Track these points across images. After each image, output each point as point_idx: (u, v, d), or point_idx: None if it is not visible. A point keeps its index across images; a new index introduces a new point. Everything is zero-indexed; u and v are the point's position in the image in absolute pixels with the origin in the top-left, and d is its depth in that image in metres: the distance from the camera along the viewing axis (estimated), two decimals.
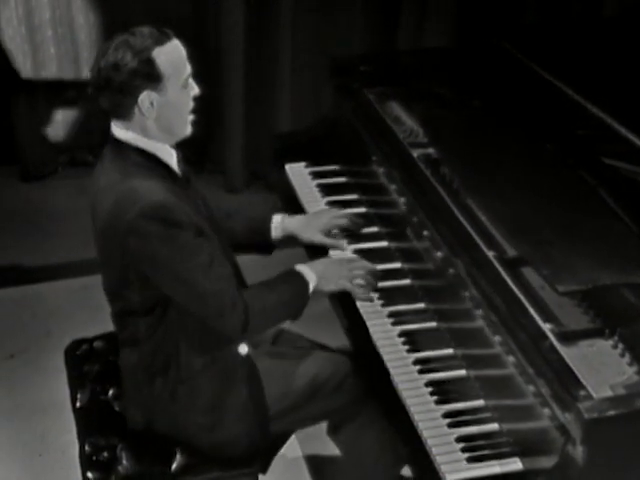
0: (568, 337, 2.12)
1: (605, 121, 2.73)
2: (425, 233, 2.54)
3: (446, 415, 2.25)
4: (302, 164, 3.18)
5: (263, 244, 2.81)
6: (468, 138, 2.84)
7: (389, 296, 2.61)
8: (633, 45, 3.08)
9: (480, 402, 2.28)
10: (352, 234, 2.82)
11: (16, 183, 4.82)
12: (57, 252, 4.25)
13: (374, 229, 2.88)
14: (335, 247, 2.77)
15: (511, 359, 2.14)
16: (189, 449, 2.47)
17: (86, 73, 4.70)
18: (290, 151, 3.19)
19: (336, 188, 3.07)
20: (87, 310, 3.66)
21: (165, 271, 2.30)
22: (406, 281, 2.68)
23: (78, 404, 2.63)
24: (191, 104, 2.39)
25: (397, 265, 2.74)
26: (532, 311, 2.16)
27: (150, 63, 2.26)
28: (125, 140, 2.35)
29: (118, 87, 2.27)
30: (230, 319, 2.35)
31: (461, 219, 2.45)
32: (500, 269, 2.27)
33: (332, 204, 2.98)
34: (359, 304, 2.58)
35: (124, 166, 2.33)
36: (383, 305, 2.58)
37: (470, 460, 2.13)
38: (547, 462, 2.01)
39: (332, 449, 2.84)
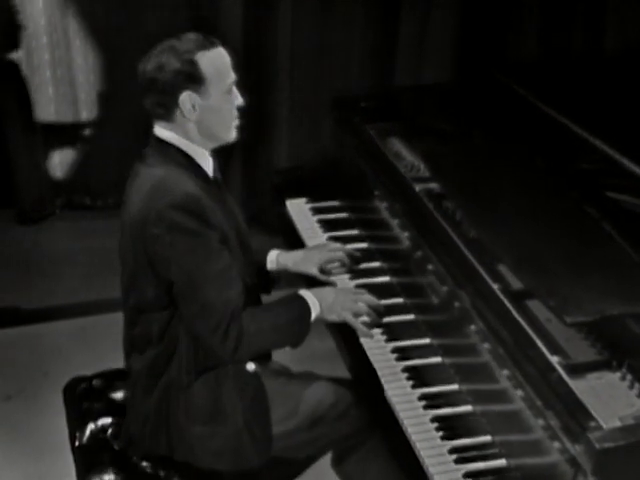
0: (576, 370, 2.08)
1: (607, 154, 2.73)
2: (429, 267, 2.52)
3: (452, 451, 2.21)
4: (303, 200, 3.18)
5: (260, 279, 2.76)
6: (470, 172, 2.81)
7: (393, 331, 2.58)
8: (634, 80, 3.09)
9: (487, 438, 2.24)
10: (352, 269, 2.80)
11: (13, 225, 4.80)
12: (55, 294, 4.22)
13: (376, 264, 2.85)
14: (328, 283, 2.74)
15: (519, 392, 2.10)
16: (188, 466, 2.44)
17: (84, 115, 4.71)
18: (290, 187, 3.19)
19: (337, 223, 3.06)
20: (85, 351, 3.64)
21: (178, 267, 2.30)
22: (410, 316, 2.65)
23: (77, 443, 2.58)
24: (235, 112, 2.42)
25: (400, 300, 2.71)
26: (539, 343, 2.12)
27: (193, 65, 2.31)
28: (167, 139, 2.39)
29: (161, 87, 2.31)
30: (222, 338, 2.31)
31: (465, 252, 2.42)
32: (506, 302, 2.24)
33: (334, 239, 2.95)
34: (362, 340, 2.54)
35: (165, 162, 2.36)
36: (387, 340, 2.55)
37: None
38: None
39: None
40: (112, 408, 2.64)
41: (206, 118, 2.37)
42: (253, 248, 2.71)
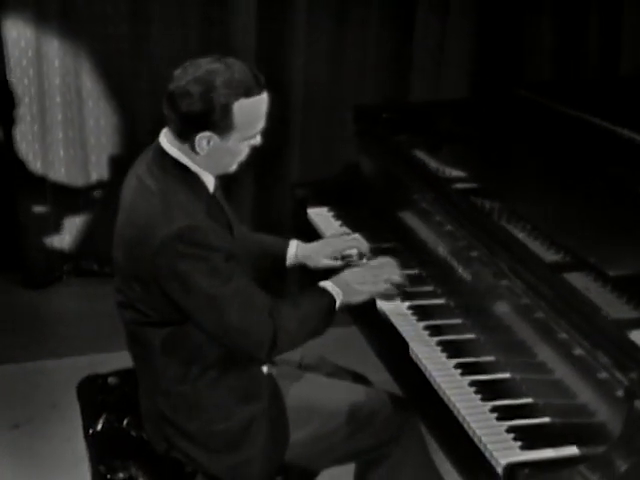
0: (619, 323, 2.04)
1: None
2: (474, 254, 2.49)
3: (494, 410, 2.12)
4: (325, 208, 3.15)
5: (276, 269, 2.76)
6: (498, 169, 2.89)
7: (424, 311, 2.54)
8: None
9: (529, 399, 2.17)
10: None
11: (19, 289, 4.70)
12: (60, 354, 4.10)
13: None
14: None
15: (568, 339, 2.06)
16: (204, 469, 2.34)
17: (94, 178, 4.70)
18: (311, 197, 3.18)
19: (362, 226, 3.00)
20: None
21: (195, 296, 2.17)
22: (441, 300, 2.62)
23: (91, 431, 2.46)
24: (247, 152, 2.29)
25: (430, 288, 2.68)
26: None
27: (226, 112, 2.15)
28: (169, 152, 2.25)
29: (185, 114, 2.16)
30: (256, 348, 2.25)
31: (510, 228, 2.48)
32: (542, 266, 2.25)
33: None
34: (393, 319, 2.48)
35: (162, 176, 2.23)
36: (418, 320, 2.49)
37: (523, 448, 1.99)
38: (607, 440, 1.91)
39: None
40: (126, 401, 2.54)
41: (217, 155, 2.24)
42: (270, 240, 2.75)
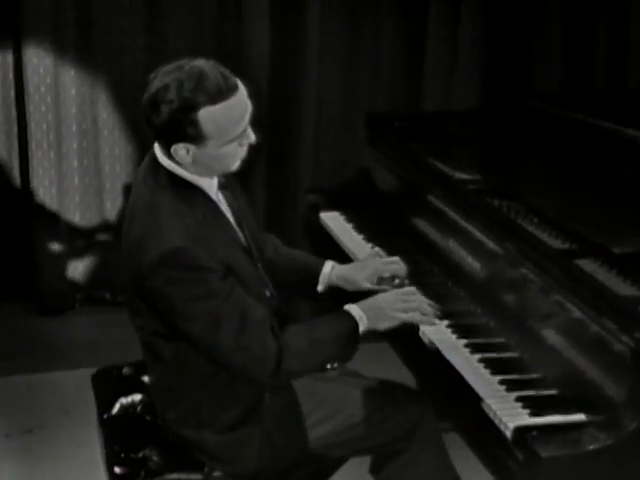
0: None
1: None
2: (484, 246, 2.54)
3: (502, 382, 2.17)
4: (337, 212, 3.20)
5: (307, 287, 2.65)
6: (509, 172, 2.96)
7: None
8: None
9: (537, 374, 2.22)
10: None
11: (34, 317, 4.73)
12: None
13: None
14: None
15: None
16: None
17: (108, 206, 4.75)
18: (323, 202, 3.24)
19: (374, 230, 3.07)
20: None
21: (191, 319, 2.14)
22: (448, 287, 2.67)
23: (105, 416, 2.50)
24: (241, 152, 2.21)
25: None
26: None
27: (193, 122, 2.09)
28: (161, 161, 2.22)
29: (155, 128, 2.13)
30: (259, 368, 2.19)
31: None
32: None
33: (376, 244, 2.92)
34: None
35: (154, 187, 2.21)
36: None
37: (532, 415, 2.02)
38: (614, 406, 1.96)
39: None
40: (141, 388, 2.57)
41: (204, 162, 2.18)
42: (303, 258, 2.68)
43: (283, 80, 4.58)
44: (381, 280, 2.57)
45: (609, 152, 2.88)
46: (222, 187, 2.34)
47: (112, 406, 2.51)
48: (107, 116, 4.61)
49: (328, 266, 2.62)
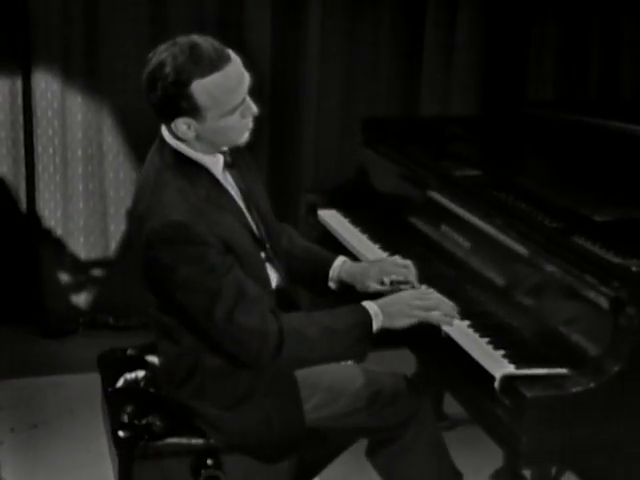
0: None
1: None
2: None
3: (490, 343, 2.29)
4: (334, 210, 3.31)
5: (318, 279, 2.68)
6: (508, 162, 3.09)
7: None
8: None
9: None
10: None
11: (38, 339, 4.79)
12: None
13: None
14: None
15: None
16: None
17: (112, 230, 4.84)
18: (321, 201, 3.34)
19: (369, 225, 3.16)
20: None
21: (188, 293, 2.19)
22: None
23: (109, 389, 2.57)
24: (245, 122, 2.26)
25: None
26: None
27: (187, 96, 2.15)
28: (167, 140, 2.29)
29: (154, 106, 2.21)
30: (259, 345, 2.22)
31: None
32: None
33: (375, 240, 3.03)
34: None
35: (160, 165, 2.28)
36: None
37: (517, 368, 2.12)
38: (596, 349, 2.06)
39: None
40: (145, 365, 2.65)
41: (208, 137, 2.24)
42: (316, 250, 2.73)
43: (283, 81, 4.70)
44: (391, 284, 2.58)
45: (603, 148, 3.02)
46: (228, 166, 2.39)
47: (116, 381, 2.59)
48: (112, 141, 4.71)
49: (340, 260, 2.66)
